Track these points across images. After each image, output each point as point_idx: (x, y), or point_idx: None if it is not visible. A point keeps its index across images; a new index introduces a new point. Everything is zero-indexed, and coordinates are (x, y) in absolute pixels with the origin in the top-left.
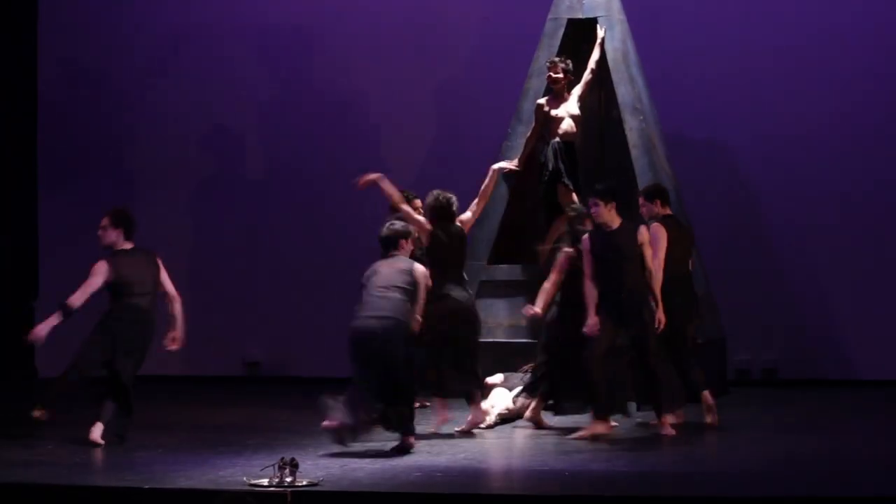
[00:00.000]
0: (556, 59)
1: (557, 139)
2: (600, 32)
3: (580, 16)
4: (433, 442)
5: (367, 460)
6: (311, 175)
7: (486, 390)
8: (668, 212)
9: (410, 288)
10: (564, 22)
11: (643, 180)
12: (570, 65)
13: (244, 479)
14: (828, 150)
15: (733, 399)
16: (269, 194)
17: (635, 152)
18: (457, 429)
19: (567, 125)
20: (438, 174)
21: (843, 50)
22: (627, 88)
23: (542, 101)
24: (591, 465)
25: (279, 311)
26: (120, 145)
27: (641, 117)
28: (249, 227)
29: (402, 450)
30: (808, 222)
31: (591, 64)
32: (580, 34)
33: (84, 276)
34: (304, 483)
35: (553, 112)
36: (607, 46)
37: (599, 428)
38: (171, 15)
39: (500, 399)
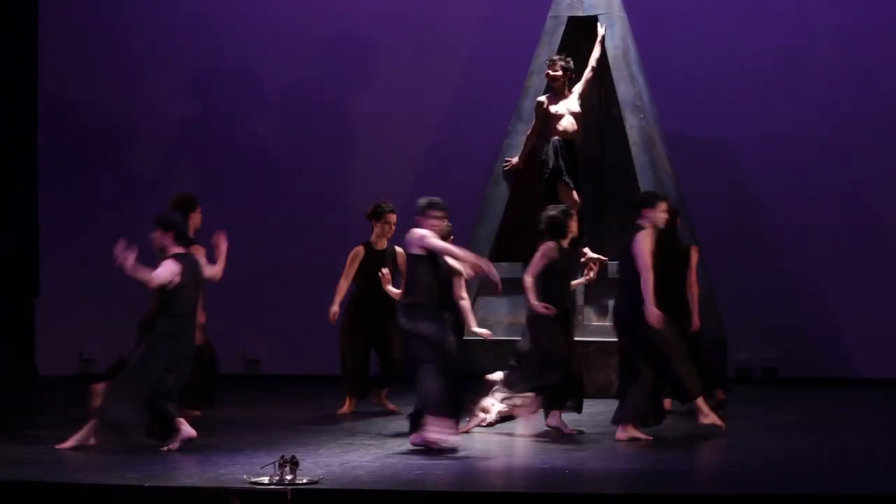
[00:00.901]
0: (556, 56)
1: (557, 137)
2: (601, 30)
3: (580, 14)
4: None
5: (368, 458)
6: (313, 174)
7: (487, 387)
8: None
9: None
10: (565, 20)
11: (643, 178)
12: (571, 63)
13: (245, 476)
14: (828, 150)
15: (734, 398)
16: (270, 193)
17: (635, 150)
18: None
19: (567, 122)
20: (439, 172)
21: (843, 49)
22: (628, 86)
23: (543, 98)
24: (591, 463)
25: (280, 308)
26: (120, 144)
27: (642, 115)
28: (251, 225)
29: None
30: (808, 222)
31: (592, 62)
32: (581, 32)
33: (83, 272)
34: (305, 481)
35: (553, 109)
36: (608, 44)
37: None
38: (171, 14)
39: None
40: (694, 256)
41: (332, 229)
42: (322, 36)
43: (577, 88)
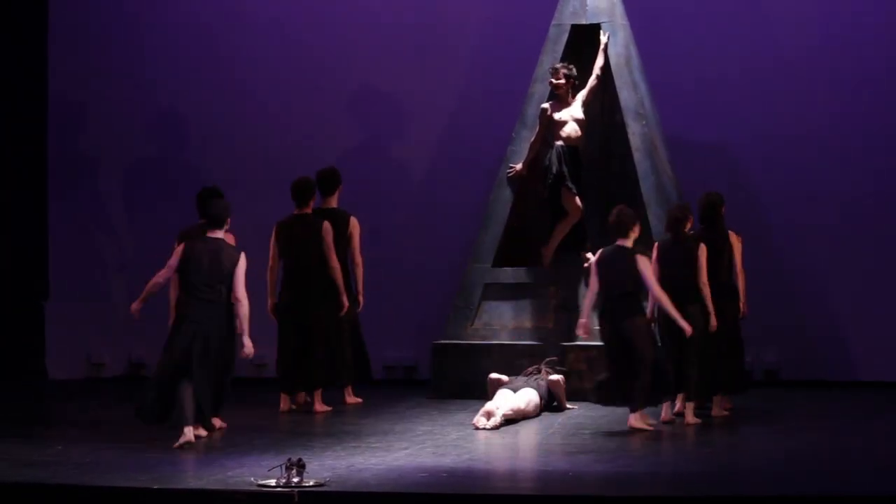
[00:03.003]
0: (559, 64)
1: (561, 142)
2: (603, 38)
3: (584, 21)
4: (438, 442)
5: (374, 461)
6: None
7: (491, 387)
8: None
9: None
10: (568, 27)
11: (646, 184)
12: (574, 70)
13: (252, 479)
14: (828, 152)
15: (734, 400)
16: (274, 196)
17: (638, 156)
18: None
19: (571, 129)
20: (443, 179)
21: (844, 51)
22: (630, 93)
23: (546, 105)
24: (594, 466)
25: None
26: (130, 147)
27: (644, 122)
28: (257, 226)
29: None
30: (809, 223)
31: (597, 69)
32: (584, 39)
33: (93, 275)
34: (311, 483)
35: (556, 116)
36: (610, 52)
37: None
38: (180, 16)
39: (504, 400)
40: (738, 245)
41: None
42: (325, 41)
43: (581, 95)
